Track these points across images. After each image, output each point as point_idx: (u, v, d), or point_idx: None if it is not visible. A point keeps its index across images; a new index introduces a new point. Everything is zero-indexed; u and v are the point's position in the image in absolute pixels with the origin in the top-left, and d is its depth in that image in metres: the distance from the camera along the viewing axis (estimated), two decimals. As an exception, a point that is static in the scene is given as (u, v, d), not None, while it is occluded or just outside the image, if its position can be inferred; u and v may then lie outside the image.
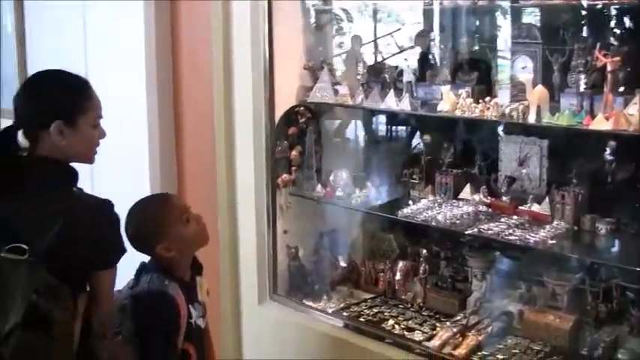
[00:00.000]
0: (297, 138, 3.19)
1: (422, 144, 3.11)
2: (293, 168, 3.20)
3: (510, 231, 2.61)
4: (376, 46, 3.14)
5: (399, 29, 3.23)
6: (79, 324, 2.10)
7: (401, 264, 3.10)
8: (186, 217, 2.33)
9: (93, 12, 3.75)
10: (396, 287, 3.09)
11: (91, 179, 2.84)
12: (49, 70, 2.23)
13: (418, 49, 3.00)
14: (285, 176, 3.17)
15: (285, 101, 3.15)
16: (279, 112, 3.12)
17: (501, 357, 2.58)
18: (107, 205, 2.12)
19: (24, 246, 1.98)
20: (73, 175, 2.15)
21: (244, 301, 3.18)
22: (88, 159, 2.22)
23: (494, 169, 2.90)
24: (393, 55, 3.06)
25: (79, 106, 2.14)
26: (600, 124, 2.37)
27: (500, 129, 2.85)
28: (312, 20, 3.21)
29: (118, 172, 3.30)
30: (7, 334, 1.90)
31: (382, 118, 3.23)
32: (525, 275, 2.82)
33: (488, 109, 2.62)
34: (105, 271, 2.13)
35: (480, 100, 2.67)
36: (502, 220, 2.70)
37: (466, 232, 2.67)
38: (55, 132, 2.08)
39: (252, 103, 3.05)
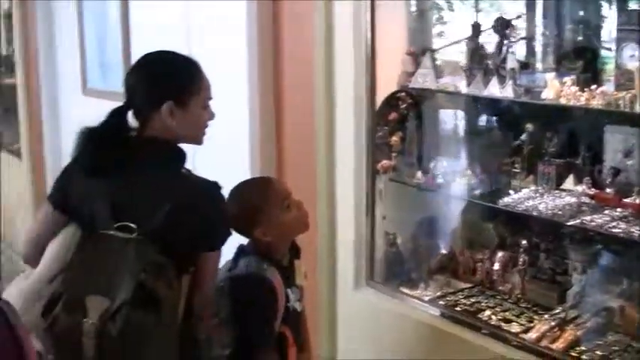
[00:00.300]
0: (397, 124, 3.20)
1: (524, 133, 3.05)
2: (393, 154, 3.21)
3: (614, 224, 2.54)
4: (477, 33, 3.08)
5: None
6: (182, 304, 2.15)
7: (500, 254, 3.06)
8: (287, 203, 2.38)
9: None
10: (494, 278, 3.06)
11: (193, 161, 2.94)
12: (160, 51, 2.27)
13: (521, 36, 2.95)
14: (385, 162, 3.19)
15: (386, 87, 3.17)
16: (380, 98, 3.14)
17: (600, 353, 2.51)
18: (215, 187, 2.15)
19: (132, 225, 2.05)
20: (182, 156, 2.19)
21: (340, 285, 3.21)
22: (197, 140, 2.25)
23: (599, 160, 2.83)
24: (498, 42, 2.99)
25: (190, 88, 2.17)
26: None
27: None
28: (414, 7, 3.21)
29: (220, 155, 3.39)
30: (114, 312, 1.96)
31: (484, 106, 3.19)
32: (628, 270, 2.74)
33: (594, 97, 2.56)
34: (210, 253, 2.17)
35: (585, 89, 2.61)
36: (605, 212, 2.63)
37: (568, 224, 2.62)
38: (166, 113, 2.12)
39: (353, 88, 3.06)
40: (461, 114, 3.28)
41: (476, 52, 3.04)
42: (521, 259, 2.96)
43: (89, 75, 5.31)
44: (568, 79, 2.68)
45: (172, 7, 4.01)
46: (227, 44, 3.60)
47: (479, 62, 3.02)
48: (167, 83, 2.16)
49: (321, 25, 3.10)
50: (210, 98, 2.23)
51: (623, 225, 2.52)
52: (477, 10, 3.17)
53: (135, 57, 3.52)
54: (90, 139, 2.13)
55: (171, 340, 2.07)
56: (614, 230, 2.50)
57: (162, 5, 4.11)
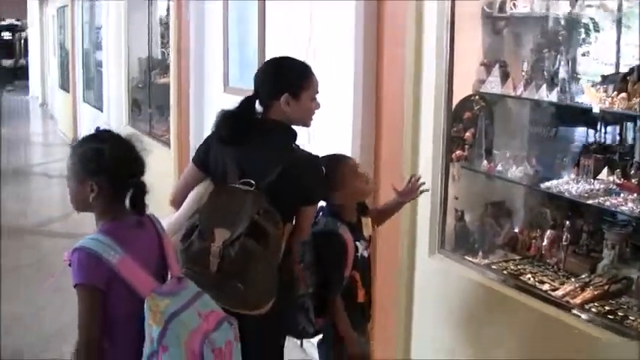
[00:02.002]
0: (471, 122, 4.02)
1: (576, 132, 3.81)
2: (466, 146, 4.03)
3: (629, 204, 3.29)
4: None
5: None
6: (283, 245, 2.97)
7: (549, 232, 3.83)
8: (360, 176, 3.30)
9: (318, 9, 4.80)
10: (543, 252, 3.83)
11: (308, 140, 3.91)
12: (282, 56, 3.17)
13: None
14: (458, 152, 4.00)
15: (463, 91, 4.00)
16: (457, 100, 3.98)
17: (608, 308, 3.26)
18: (316, 159, 3.05)
19: (252, 181, 2.92)
20: (294, 134, 3.09)
21: (418, 252, 4.03)
22: (306, 123, 3.15)
23: (632, 156, 3.57)
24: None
25: (302, 84, 3.03)
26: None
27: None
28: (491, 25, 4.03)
29: (329, 139, 4.28)
30: (233, 240, 2.82)
31: (545, 111, 3.96)
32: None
33: (615, 102, 3.31)
34: (308, 207, 3.07)
35: (613, 96, 3.35)
36: (625, 195, 3.37)
37: (587, 202, 3.39)
38: (284, 102, 2.99)
39: (434, 93, 3.86)
40: (525, 116, 4.06)
41: (536, 63, 3.83)
42: (564, 237, 3.73)
43: (230, 74, 6.32)
44: (607, 87, 3.42)
45: (299, 7, 4.96)
46: (338, 48, 4.50)
47: (539, 72, 3.81)
48: (285, 80, 3.06)
49: (411, 39, 3.94)
50: (317, 93, 3.12)
51: (630, 204, 3.25)
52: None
53: (268, 57, 4.54)
54: (227, 117, 3.06)
55: (273, 268, 2.89)
56: (622, 208, 3.25)
57: (291, 7, 5.08)
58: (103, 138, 2.62)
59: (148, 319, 2.41)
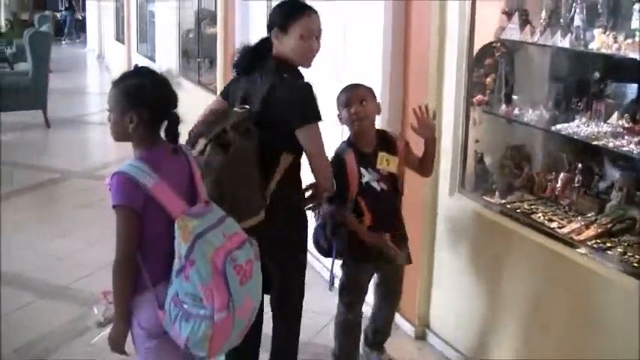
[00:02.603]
0: (492, 67, 4.25)
1: (592, 79, 4.02)
2: (487, 91, 4.27)
3: (632, 145, 3.51)
4: None
5: None
6: (277, 175, 3.30)
7: (562, 175, 4.07)
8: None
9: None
10: (557, 194, 4.08)
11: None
12: None
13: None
14: (479, 97, 4.23)
15: (485, 38, 4.23)
16: (479, 47, 4.22)
17: (609, 245, 3.51)
18: (300, 84, 3.30)
19: (246, 106, 3.30)
20: (289, 68, 3.33)
21: (440, 191, 4.29)
22: (302, 62, 3.41)
23: (640, 102, 3.78)
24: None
25: (289, 20, 3.30)
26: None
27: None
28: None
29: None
30: (204, 147, 3.15)
31: (563, 57, 4.17)
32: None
33: (620, 47, 3.51)
34: (305, 128, 3.26)
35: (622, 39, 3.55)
36: (629, 138, 3.59)
37: (593, 143, 3.62)
38: (274, 35, 3.33)
39: (457, 38, 4.11)
40: (546, 62, 4.28)
41: (554, 11, 4.04)
42: (576, 179, 3.97)
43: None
44: (611, 34, 3.63)
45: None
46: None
47: (556, 19, 4.02)
48: (275, 14, 3.39)
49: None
50: (313, 33, 3.36)
51: (633, 146, 3.48)
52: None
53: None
54: (243, 50, 3.48)
55: (244, 179, 3.18)
56: (622, 148, 3.48)
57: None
58: (142, 73, 2.97)
59: (178, 237, 2.76)
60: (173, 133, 2.94)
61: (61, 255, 5.85)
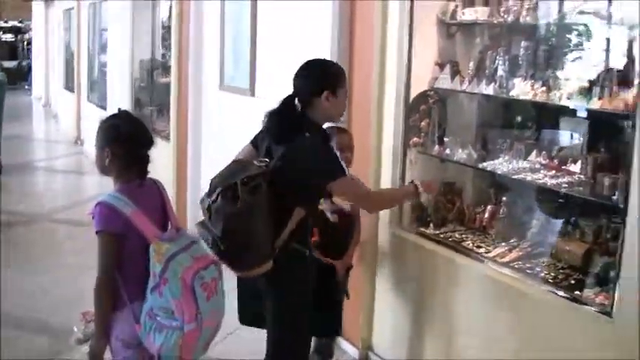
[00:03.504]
0: (426, 113, 4.79)
1: (515, 122, 4.60)
2: (422, 134, 4.81)
3: (545, 179, 4.06)
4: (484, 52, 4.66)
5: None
6: (289, 227, 3.48)
7: (489, 207, 4.61)
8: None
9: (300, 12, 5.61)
10: (484, 224, 4.61)
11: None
12: (319, 59, 3.70)
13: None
14: (415, 139, 4.77)
15: (420, 86, 4.77)
16: (415, 93, 4.76)
17: (529, 265, 4.03)
18: (315, 142, 3.48)
19: (266, 160, 3.47)
20: (322, 131, 3.60)
21: (380, 223, 4.80)
22: (337, 119, 3.80)
23: (556, 141, 4.35)
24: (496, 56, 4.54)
25: (339, 83, 3.57)
26: (593, 104, 3.75)
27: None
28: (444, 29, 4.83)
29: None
30: (216, 197, 3.31)
31: (491, 104, 4.74)
32: (567, 217, 4.24)
33: (536, 95, 4.08)
34: (334, 184, 3.50)
35: (538, 87, 4.11)
36: (545, 172, 4.14)
37: (513, 177, 4.16)
38: (324, 98, 3.49)
39: (395, 87, 4.66)
40: (473, 108, 4.85)
41: (481, 62, 4.62)
42: (501, 210, 4.51)
43: (225, 74, 7.08)
44: (528, 83, 4.20)
45: (291, 10, 5.73)
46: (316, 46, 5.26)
47: (482, 69, 4.59)
48: (326, 79, 3.57)
49: (378, 40, 4.73)
50: (347, 92, 3.73)
51: (547, 179, 4.03)
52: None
53: (259, 57, 5.29)
54: (273, 116, 3.58)
55: (252, 233, 3.33)
56: (538, 181, 4.03)
57: (282, 8, 5.84)
58: (119, 116, 3.53)
59: (152, 259, 3.23)
60: (144, 170, 3.43)
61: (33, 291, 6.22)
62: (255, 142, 3.75)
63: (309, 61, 3.68)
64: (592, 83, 3.88)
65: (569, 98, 3.92)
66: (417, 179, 4.04)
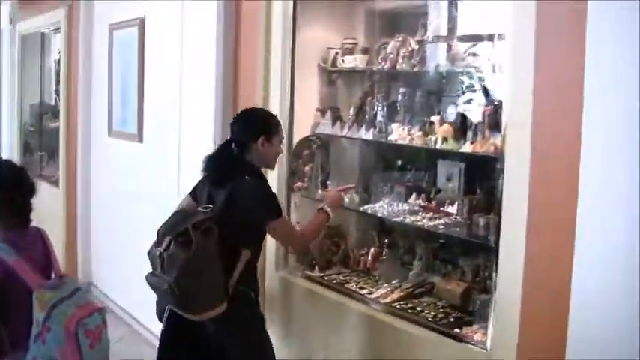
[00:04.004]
0: (309, 158, 4.86)
1: (395, 165, 4.70)
2: (306, 179, 4.86)
3: (424, 221, 4.16)
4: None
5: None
6: (238, 268, 3.51)
7: (372, 249, 4.68)
8: None
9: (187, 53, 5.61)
10: (368, 266, 4.67)
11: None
12: (256, 107, 3.99)
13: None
14: (298, 184, 4.83)
15: (303, 132, 4.84)
16: (298, 139, 4.82)
17: (410, 305, 4.10)
18: (255, 184, 3.61)
19: (210, 206, 3.55)
20: (258, 173, 3.70)
21: (267, 266, 4.80)
22: (271, 165, 3.89)
23: (434, 183, 4.47)
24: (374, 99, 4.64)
25: (275, 130, 3.74)
26: (466, 147, 3.89)
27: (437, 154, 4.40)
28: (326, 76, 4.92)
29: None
30: (168, 246, 3.35)
31: (372, 148, 4.83)
32: (447, 258, 4.34)
33: (413, 139, 4.19)
34: (271, 224, 3.64)
35: (411, 133, 4.23)
36: (424, 214, 4.25)
37: (393, 219, 4.25)
38: (260, 144, 3.65)
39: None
40: (355, 152, 4.93)
41: (361, 108, 4.71)
42: (384, 252, 4.58)
43: (114, 120, 7.02)
44: (406, 128, 4.31)
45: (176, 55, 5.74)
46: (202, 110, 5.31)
47: (362, 116, 4.69)
48: (262, 125, 3.73)
49: (260, 86, 4.78)
50: (282, 139, 3.86)
51: (426, 221, 4.13)
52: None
53: (147, 100, 5.35)
54: (212, 161, 3.72)
55: (205, 277, 3.39)
56: (417, 223, 4.11)
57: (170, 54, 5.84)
58: (0, 164, 3.47)
59: (35, 307, 3.16)
60: (26, 219, 3.38)
61: None
62: (193, 193, 3.86)
63: (245, 109, 3.90)
64: (466, 127, 4.00)
65: (444, 142, 4.02)
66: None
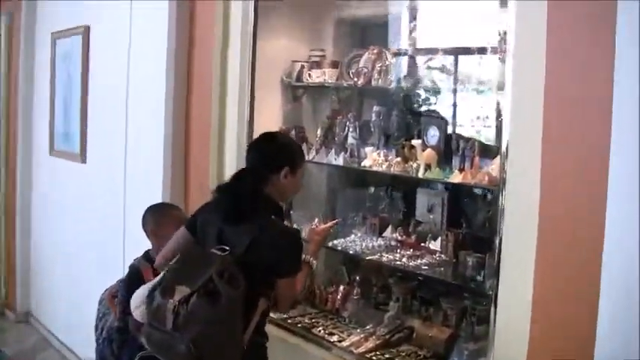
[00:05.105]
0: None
1: (368, 193, 4.12)
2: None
3: (404, 259, 3.60)
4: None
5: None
6: (255, 319, 2.92)
7: (342, 287, 4.09)
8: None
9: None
10: (337, 306, 4.08)
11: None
12: (277, 133, 3.43)
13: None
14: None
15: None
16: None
17: (388, 357, 3.52)
18: (288, 232, 3.04)
19: (226, 247, 2.85)
20: (279, 208, 3.06)
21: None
22: (287, 199, 3.29)
23: (413, 214, 3.90)
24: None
25: (300, 161, 3.10)
26: (454, 177, 3.34)
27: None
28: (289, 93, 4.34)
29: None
30: (187, 298, 2.73)
31: (342, 173, 4.26)
32: (427, 298, 3.77)
33: (391, 166, 3.63)
34: (281, 279, 2.97)
35: (388, 159, 3.67)
36: (402, 252, 3.69)
37: (367, 258, 3.67)
38: (283, 175, 2.98)
39: (236, 156, 4.12)
40: (322, 178, 4.35)
41: (329, 129, 4.13)
42: (355, 291, 4.00)
43: (56, 137, 6.38)
44: (382, 152, 3.75)
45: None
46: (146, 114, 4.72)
47: (331, 137, 4.11)
48: (288, 155, 3.08)
49: (216, 102, 4.19)
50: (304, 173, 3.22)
51: (406, 260, 3.56)
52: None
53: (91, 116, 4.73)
54: (227, 194, 3.01)
55: (230, 333, 2.80)
56: (397, 263, 3.54)
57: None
58: None
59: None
60: None
61: None
62: (192, 227, 3.13)
63: (266, 134, 3.24)
64: (451, 152, 3.48)
65: (427, 170, 3.48)
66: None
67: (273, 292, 3.03)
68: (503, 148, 2.81)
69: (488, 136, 3.59)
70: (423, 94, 3.82)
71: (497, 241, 2.83)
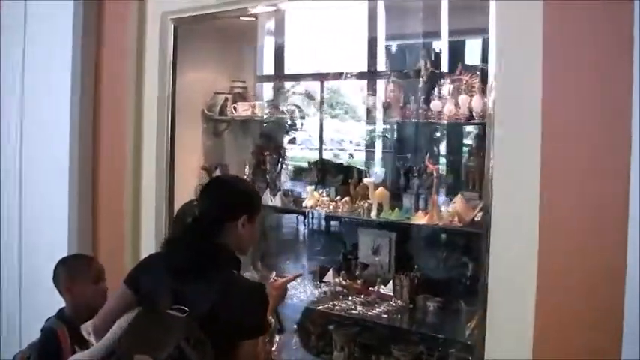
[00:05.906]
0: (194, 226, 3.88)
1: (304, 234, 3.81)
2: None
3: (355, 307, 3.30)
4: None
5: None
6: None
7: (277, 337, 3.74)
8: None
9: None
10: (273, 357, 3.73)
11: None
12: (234, 177, 2.98)
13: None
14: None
15: (186, 196, 3.83)
16: (180, 204, 3.82)
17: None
18: (257, 288, 2.64)
19: (185, 308, 2.50)
20: (238, 261, 2.69)
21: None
22: (246, 251, 2.79)
23: (356, 257, 3.61)
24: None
25: (258, 209, 2.74)
26: (419, 218, 3.09)
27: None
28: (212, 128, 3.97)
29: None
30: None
31: (274, 215, 3.92)
32: (377, 347, 3.49)
33: (339, 207, 3.34)
34: (249, 341, 2.58)
35: (336, 199, 3.38)
36: (353, 298, 3.39)
37: (316, 308, 3.35)
38: (241, 224, 2.61)
39: (155, 197, 3.72)
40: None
41: (258, 167, 3.79)
42: (293, 341, 3.66)
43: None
44: (324, 191, 3.45)
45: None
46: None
47: (261, 176, 3.77)
48: (246, 202, 2.71)
49: (130, 136, 3.79)
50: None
51: (360, 308, 3.27)
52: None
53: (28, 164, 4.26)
54: (175, 244, 2.68)
55: None
56: (352, 312, 3.24)
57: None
58: None
59: None
60: None
61: None
62: (133, 283, 2.72)
63: (219, 177, 3.04)
64: (400, 189, 3.24)
65: (380, 211, 3.21)
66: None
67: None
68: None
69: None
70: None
71: (483, 290, 2.60)
